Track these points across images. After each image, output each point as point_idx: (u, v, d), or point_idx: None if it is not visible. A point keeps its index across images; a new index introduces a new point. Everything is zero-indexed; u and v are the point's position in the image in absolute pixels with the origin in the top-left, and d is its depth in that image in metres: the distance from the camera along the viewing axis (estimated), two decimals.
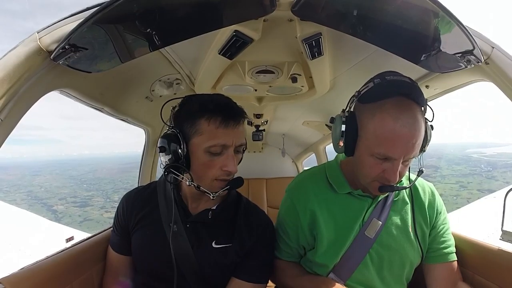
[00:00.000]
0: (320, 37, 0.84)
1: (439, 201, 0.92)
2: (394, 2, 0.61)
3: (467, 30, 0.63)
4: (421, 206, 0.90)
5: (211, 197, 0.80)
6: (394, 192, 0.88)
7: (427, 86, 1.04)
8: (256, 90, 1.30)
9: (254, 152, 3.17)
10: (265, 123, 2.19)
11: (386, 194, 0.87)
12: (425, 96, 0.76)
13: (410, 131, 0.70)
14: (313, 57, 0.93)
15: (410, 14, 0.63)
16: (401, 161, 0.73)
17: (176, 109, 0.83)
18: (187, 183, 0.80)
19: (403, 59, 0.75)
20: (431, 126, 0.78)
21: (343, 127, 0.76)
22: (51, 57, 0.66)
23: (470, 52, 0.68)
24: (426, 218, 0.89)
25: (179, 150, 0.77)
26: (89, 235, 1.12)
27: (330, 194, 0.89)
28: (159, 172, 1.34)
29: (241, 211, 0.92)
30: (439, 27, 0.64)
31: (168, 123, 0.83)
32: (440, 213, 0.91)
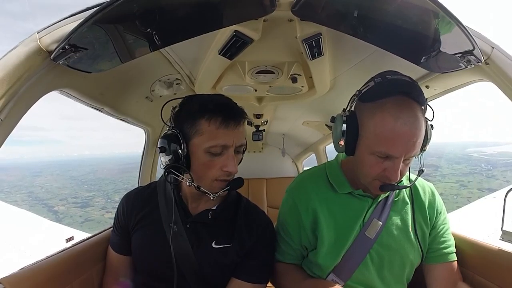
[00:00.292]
0: (320, 37, 0.84)
1: (439, 201, 0.92)
2: (394, 2, 0.61)
3: (467, 30, 0.63)
4: (421, 206, 0.90)
5: (211, 198, 0.80)
6: (394, 192, 0.88)
7: (427, 86, 1.04)
8: (256, 90, 1.31)
9: (254, 152, 3.17)
10: (265, 123, 2.19)
11: (386, 194, 0.87)
12: (425, 96, 0.76)
13: (410, 130, 0.70)
14: (313, 57, 0.93)
15: (410, 14, 0.63)
16: (402, 160, 0.73)
17: (176, 109, 0.83)
18: (187, 183, 0.80)
19: (403, 59, 0.75)
20: (431, 125, 0.78)
21: (344, 127, 0.76)
22: (51, 57, 0.66)
23: (470, 52, 0.68)
24: (426, 218, 0.89)
25: (179, 151, 0.77)
26: (89, 235, 1.12)
27: (330, 194, 0.89)
28: (159, 172, 1.34)
29: (241, 211, 0.92)
30: (439, 27, 0.64)
31: (168, 123, 0.83)
32: (440, 213, 0.91)
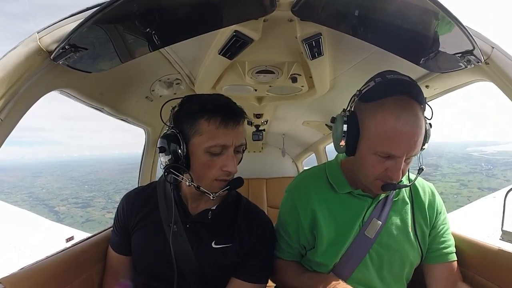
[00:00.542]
0: (320, 37, 0.84)
1: (439, 201, 0.92)
2: (394, 2, 0.61)
3: (467, 30, 0.63)
4: (421, 206, 0.90)
5: (211, 198, 0.80)
6: (394, 192, 0.88)
7: (427, 86, 1.04)
8: (256, 90, 1.30)
9: (254, 152, 3.17)
10: (265, 123, 2.19)
11: (386, 194, 0.87)
12: (425, 96, 0.77)
13: (412, 129, 0.70)
14: (313, 57, 0.93)
15: (410, 14, 0.63)
16: (403, 159, 0.73)
17: (176, 109, 0.83)
18: (187, 183, 0.80)
19: (403, 59, 0.75)
20: (430, 124, 0.78)
21: (345, 127, 0.76)
22: (51, 57, 0.66)
23: (470, 52, 0.68)
24: (426, 218, 0.89)
25: (179, 150, 0.77)
26: (90, 235, 1.12)
27: (330, 194, 0.89)
28: (159, 172, 1.34)
29: (241, 211, 0.92)
30: (439, 27, 0.64)
31: (168, 123, 0.83)
32: (440, 213, 0.91)
